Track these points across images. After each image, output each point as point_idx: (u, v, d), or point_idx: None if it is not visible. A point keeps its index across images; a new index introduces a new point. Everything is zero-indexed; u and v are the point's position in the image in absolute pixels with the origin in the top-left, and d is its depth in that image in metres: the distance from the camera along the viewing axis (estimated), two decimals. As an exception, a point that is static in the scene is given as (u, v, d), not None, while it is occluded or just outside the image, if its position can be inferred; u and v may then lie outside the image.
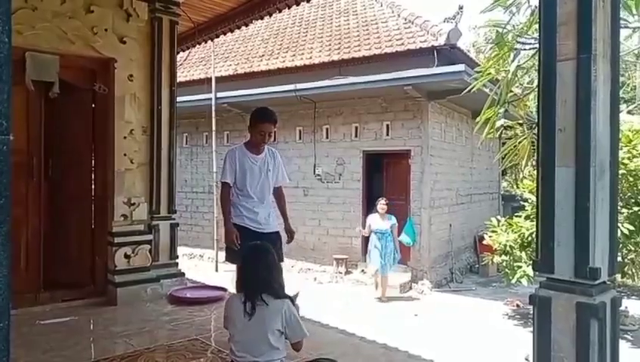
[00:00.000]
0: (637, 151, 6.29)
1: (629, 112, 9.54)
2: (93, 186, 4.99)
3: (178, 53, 6.18)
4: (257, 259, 2.46)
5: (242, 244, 3.49)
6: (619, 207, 5.41)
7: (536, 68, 2.37)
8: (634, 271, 6.96)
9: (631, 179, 6.17)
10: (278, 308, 2.29)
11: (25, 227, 4.51)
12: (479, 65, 6.82)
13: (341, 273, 9.74)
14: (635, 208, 6.07)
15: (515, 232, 7.02)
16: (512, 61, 5.29)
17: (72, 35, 4.43)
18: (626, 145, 6.02)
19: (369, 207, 10.21)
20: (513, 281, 6.91)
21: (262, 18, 6.41)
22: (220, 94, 10.98)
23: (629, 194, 6.22)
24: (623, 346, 5.77)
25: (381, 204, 8.17)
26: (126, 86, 4.80)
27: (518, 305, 8.04)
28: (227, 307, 2.52)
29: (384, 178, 10.37)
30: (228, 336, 2.53)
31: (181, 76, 12.08)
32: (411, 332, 6.58)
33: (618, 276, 7.01)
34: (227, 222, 3.61)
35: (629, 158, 6.15)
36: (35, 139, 4.55)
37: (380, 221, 8.13)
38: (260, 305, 2.28)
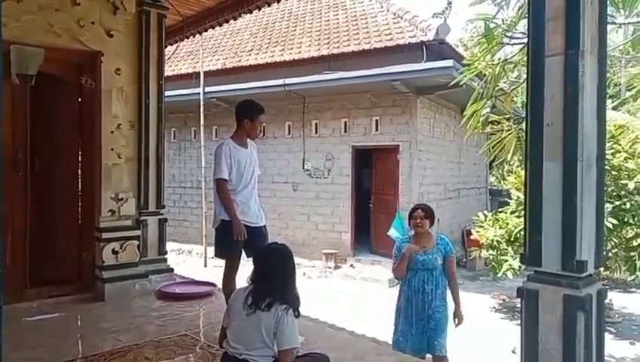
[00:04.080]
0: (619, 146, 6.40)
1: (613, 108, 9.68)
2: (80, 181, 4.92)
3: (166, 46, 6.12)
4: (275, 264, 2.44)
5: (236, 241, 3.48)
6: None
7: (524, 63, 2.39)
8: (617, 264, 7.08)
9: (614, 173, 6.27)
10: (277, 312, 2.30)
11: (10, 223, 4.42)
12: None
13: (330, 268, 9.77)
14: (617, 202, 6.18)
15: (502, 228, 7.10)
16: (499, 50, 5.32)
17: (58, 28, 4.35)
18: (609, 141, 6.12)
19: (358, 202, 10.25)
20: (499, 274, 6.99)
21: (251, 12, 6.37)
22: (208, 89, 10.92)
23: (613, 188, 6.32)
24: (606, 338, 5.86)
25: (418, 217, 3.97)
26: (113, 80, 4.73)
27: (504, 299, 8.14)
28: (232, 296, 2.56)
29: (373, 173, 10.40)
30: (220, 330, 2.53)
31: (169, 70, 11.91)
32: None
33: (602, 269, 7.13)
34: (235, 218, 3.53)
35: (612, 154, 6.25)
36: (21, 134, 4.47)
37: (418, 246, 3.96)
38: (264, 310, 2.30)
